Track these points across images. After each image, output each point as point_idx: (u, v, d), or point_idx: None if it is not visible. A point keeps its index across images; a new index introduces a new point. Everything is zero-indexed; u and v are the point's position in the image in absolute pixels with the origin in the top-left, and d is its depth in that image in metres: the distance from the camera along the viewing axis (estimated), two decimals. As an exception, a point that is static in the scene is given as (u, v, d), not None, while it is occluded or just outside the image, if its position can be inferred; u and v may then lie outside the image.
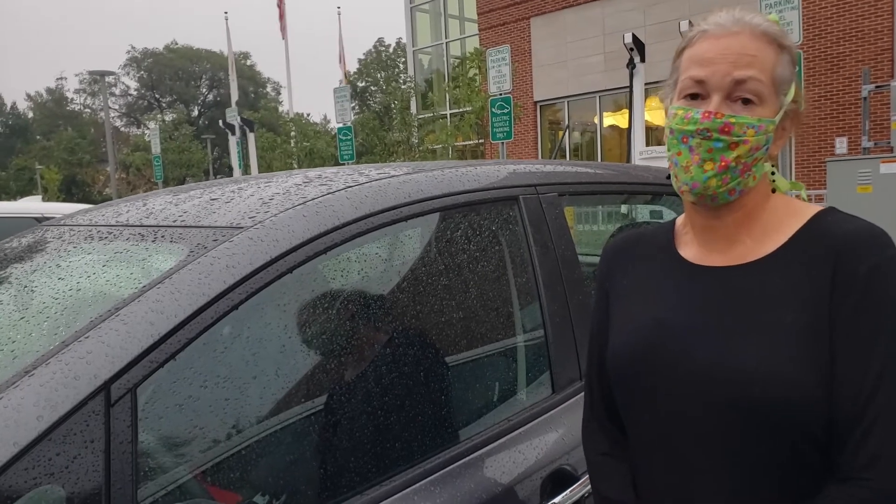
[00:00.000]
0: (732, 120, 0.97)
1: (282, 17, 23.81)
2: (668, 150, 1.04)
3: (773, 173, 1.07)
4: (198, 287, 1.11)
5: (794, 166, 13.58)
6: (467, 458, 1.38)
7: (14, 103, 56.60)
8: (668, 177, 1.07)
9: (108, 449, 0.96)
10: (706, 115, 0.97)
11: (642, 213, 2.65)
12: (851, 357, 0.92)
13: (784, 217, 1.04)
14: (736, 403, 0.94)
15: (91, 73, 29.22)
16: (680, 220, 1.16)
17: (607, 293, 1.18)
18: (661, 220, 2.48)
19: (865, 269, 0.93)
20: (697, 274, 1.05)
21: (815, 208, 1.04)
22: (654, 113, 14.17)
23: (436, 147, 17.99)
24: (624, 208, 2.73)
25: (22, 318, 1.24)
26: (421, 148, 18.20)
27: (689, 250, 1.09)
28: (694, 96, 1.01)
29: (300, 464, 1.29)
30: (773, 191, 1.07)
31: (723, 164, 0.97)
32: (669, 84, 1.08)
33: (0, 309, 1.33)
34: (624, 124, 16.77)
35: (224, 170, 41.02)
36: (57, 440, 0.92)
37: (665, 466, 1.04)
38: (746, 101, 0.98)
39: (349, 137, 12.53)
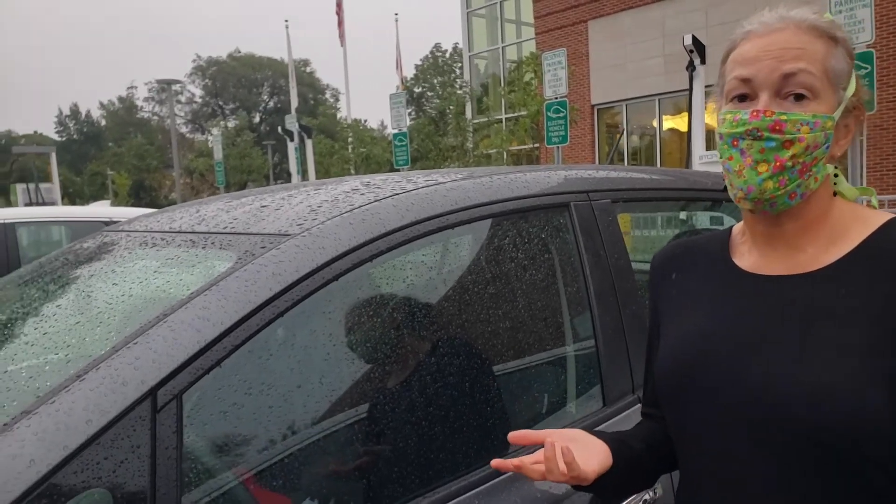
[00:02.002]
0: (784, 117, 0.91)
1: (340, 24, 24.21)
2: (720, 157, 0.99)
3: (835, 175, 1.01)
4: (244, 294, 1.12)
5: (865, 170, 12.99)
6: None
7: (88, 111, 59.28)
8: (725, 188, 1.02)
9: (153, 454, 0.97)
10: (755, 114, 0.92)
11: (701, 219, 2.57)
12: None
13: (850, 225, 0.97)
14: (792, 424, 0.88)
15: (159, 81, 30.37)
16: (737, 227, 1.10)
17: (656, 303, 1.14)
18: (720, 227, 2.40)
19: None
20: (751, 283, 1.00)
21: (885, 216, 0.97)
22: (714, 116, 13.78)
23: (490, 152, 17.96)
24: (681, 215, 2.65)
25: (77, 323, 1.28)
26: (476, 153, 18.20)
27: (746, 260, 1.03)
28: (742, 98, 0.96)
29: (344, 473, 1.28)
30: (835, 194, 1.01)
31: (778, 164, 0.92)
32: (717, 90, 1.04)
33: (59, 313, 1.37)
34: (684, 128, 16.39)
35: (283, 175, 41.98)
36: (105, 444, 0.94)
37: (712, 486, 0.98)
38: (799, 98, 0.92)
39: (404, 143, 12.62)
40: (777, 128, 0.92)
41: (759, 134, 0.92)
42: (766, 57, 0.93)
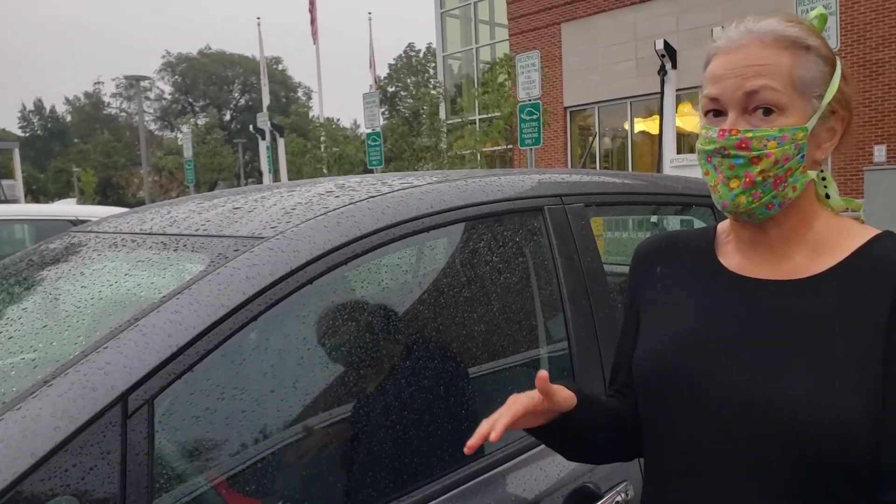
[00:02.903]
0: (749, 135, 0.93)
1: (313, 22, 24.06)
2: (701, 171, 1.01)
3: (823, 178, 1.02)
4: (217, 298, 1.11)
5: (831, 174, 13.28)
6: (487, 475, 1.36)
7: (53, 107, 57.97)
8: (695, 193, 1.04)
9: (124, 460, 0.95)
10: (721, 133, 0.94)
11: (672, 223, 2.60)
12: None
13: (838, 236, 0.99)
14: (773, 429, 0.90)
15: (127, 77, 29.82)
16: (722, 226, 1.11)
17: (637, 296, 1.14)
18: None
19: None
20: (740, 285, 1.00)
21: (872, 230, 0.99)
22: (685, 119, 13.99)
23: (464, 153, 17.98)
24: (652, 219, 2.68)
25: (44, 327, 1.25)
26: (449, 153, 18.20)
27: (732, 260, 1.04)
28: (718, 113, 0.97)
29: (317, 478, 1.27)
30: (827, 196, 1.02)
31: (748, 179, 0.94)
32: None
33: (24, 316, 1.34)
34: (655, 130, 16.57)
35: (255, 174, 41.54)
36: (73, 451, 0.92)
37: (685, 485, 0.99)
38: (768, 111, 0.93)
39: (378, 143, 12.57)
40: (743, 145, 0.93)
41: (726, 152, 0.94)
42: (730, 75, 0.94)
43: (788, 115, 0.94)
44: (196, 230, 1.38)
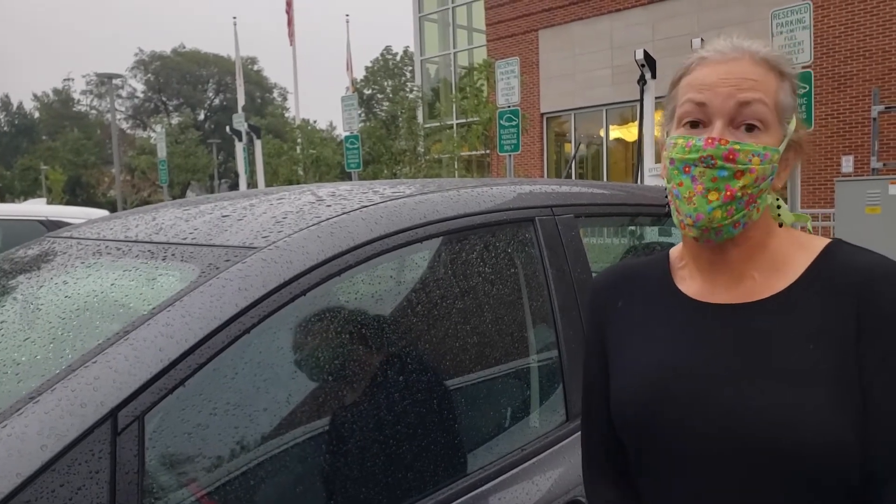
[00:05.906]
0: (737, 146, 0.92)
1: (290, 23, 23.87)
2: (668, 182, 0.98)
3: (778, 206, 1.02)
4: (209, 310, 1.08)
5: (799, 183, 13.54)
6: (480, 490, 1.35)
7: (20, 103, 56.69)
8: (668, 212, 1.00)
9: (113, 480, 0.92)
10: (709, 141, 0.92)
11: (653, 234, 2.62)
12: (886, 402, 0.87)
13: (791, 251, 0.99)
14: (761, 452, 0.89)
15: (98, 75, 29.20)
16: (674, 252, 1.09)
17: (602, 332, 1.09)
18: (669, 237, 2.45)
19: (891, 309, 0.88)
20: (703, 312, 0.99)
21: (822, 241, 1.00)
22: (659, 128, 14.13)
23: (442, 157, 17.97)
24: (633, 229, 2.69)
25: (27, 339, 1.21)
26: (427, 157, 18.18)
27: (690, 286, 1.02)
28: (694, 124, 0.96)
29: (310, 495, 1.25)
30: (780, 225, 1.02)
31: (728, 193, 0.92)
32: (667, 115, 1.03)
33: (5, 328, 1.29)
34: (629, 138, 16.72)
35: (229, 174, 41.07)
36: (61, 471, 0.89)
37: None
38: (750, 129, 0.93)
39: (356, 146, 12.48)
40: (731, 157, 0.92)
41: (712, 162, 0.92)
42: (722, 84, 0.94)
43: (769, 135, 0.94)
44: (184, 239, 1.34)
